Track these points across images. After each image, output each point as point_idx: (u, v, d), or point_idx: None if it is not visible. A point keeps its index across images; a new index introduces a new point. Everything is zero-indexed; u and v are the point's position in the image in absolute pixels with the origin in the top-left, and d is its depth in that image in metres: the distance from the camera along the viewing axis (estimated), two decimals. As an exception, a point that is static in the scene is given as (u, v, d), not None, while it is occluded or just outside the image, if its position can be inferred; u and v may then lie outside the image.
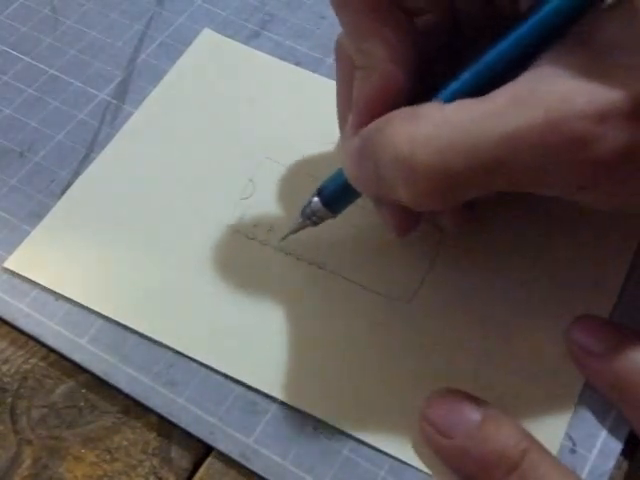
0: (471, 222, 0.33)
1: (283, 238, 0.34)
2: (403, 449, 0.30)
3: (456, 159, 0.25)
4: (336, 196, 0.32)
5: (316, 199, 0.32)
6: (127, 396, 0.32)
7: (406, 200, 0.27)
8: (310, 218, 0.33)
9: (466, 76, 0.27)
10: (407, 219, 0.31)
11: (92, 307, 0.33)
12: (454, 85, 0.27)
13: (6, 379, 0.32)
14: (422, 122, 0.26)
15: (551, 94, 0.24)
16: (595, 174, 0.24)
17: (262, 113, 0.39)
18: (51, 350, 0.33)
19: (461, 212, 0.32)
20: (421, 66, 0.28)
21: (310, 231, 0.34)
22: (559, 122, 0.24)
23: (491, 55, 0.26)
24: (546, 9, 0.25)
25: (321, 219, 0.33)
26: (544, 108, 0.24)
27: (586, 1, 0.25)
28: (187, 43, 0.41)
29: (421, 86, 0.28)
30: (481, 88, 0.26)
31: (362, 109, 0.29)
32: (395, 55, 0.28)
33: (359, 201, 0.32)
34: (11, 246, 0.35)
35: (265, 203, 0.36)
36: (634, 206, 0.28)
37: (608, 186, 0.25)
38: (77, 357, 0.32)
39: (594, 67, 0.24)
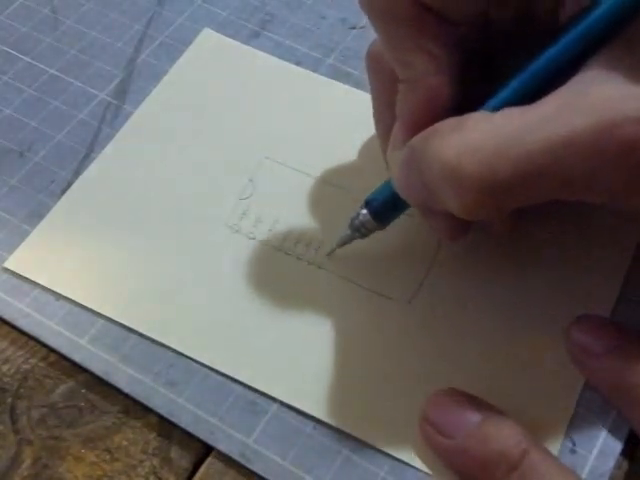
0: (521, 227, 0.33)
1: (330, 252, 0.34)
2: (403, 449, 0.30)
3: (504, 168, 0.25)
4: (385, 208, 0.32)
5: (365, 211, 0.32)
6: (127, 396, 0.32)
7: (455, 210, 0.26)
8: (359, 230, 0.33)
9: (514, 85, 0.26)
10: (457, 226, 0.31)
11: (92, 307, 0.33)
12: (502, 94, 0.27)
13: (6, 379, 0.32)
14: (469, 132, 0.26)
15: (602, 98, 0.24)
16: None
17: (262, 113, 0.39)
18: (51, 350, 0.33)
19: (511, 218, 0.32)
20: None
21: (310, 230, 0.34)
22: (611, 126, 0.23)
23: (539, 63, 0.26)
24: (594, 15, 0.25)
25: (369, 231, 0.33)
26: (596, 113, 0.24)
27: (634, 7, 0.25)
28: (187, 43, 0.41)
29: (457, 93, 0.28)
30: (529, 96, 0.26)
31: (408, 122, 0.29)
32: (440, 67, 0.28)
33: (355, 204, 0.32)
34: (11, 246, 0.35)
35: (265, 203, 0.36)
36: None
37: None
38: (77, 357, 0.32)
39: None
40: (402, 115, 0.29)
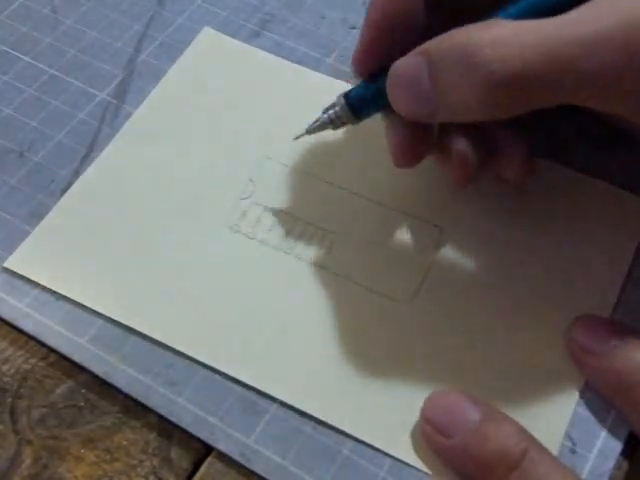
0: (533, 173, 0.33)
1: (298, 136, 0.34)
2: (403, 449, 0.30)
3: (537, 60, 0.25)
4: (363, 100, 0.32)
5: (343, 101, 0.32)
6: (127, 396, 0.32)
7: (475, 106, 0.27)
8: (331, 120, 0.32)
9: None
10: (417, 146, 0.32)
11: (92, 307, 0.33)
12: (520, 4, 0.27)
13: (6, 379, 0.32)
14: (500, 28, 0.26)
15: (632, 3, 0.25)
16: None
17: (262, 112, 0.39)
18: (51, 350, 0.33)
19: (525, 162, 0.32)
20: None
21: (310, 230, 0.34)
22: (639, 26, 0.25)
23: None
24: None
25: (342, 123, 0.32)
26: (626, 13, 0.25)
27: None
28: (187, 43, 0.41)
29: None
30: (546, 10, 0.26)
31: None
32: None
33: (355, 203, 0.32)
34: (11, 246, 0.35)
35: (265, 203, 0.36)
36: None
37: None
38: (77, 357, 0.32)
39: None
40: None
